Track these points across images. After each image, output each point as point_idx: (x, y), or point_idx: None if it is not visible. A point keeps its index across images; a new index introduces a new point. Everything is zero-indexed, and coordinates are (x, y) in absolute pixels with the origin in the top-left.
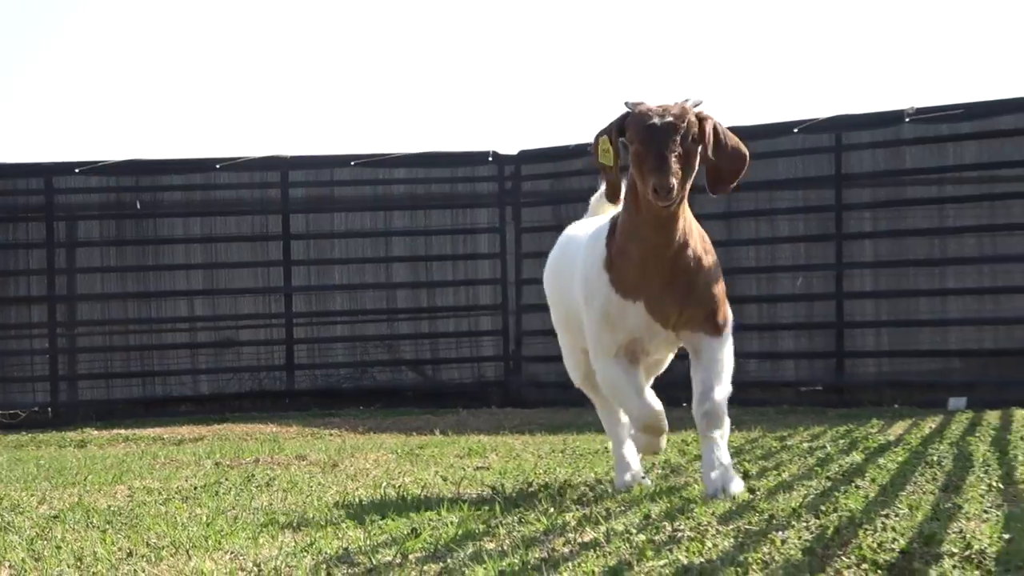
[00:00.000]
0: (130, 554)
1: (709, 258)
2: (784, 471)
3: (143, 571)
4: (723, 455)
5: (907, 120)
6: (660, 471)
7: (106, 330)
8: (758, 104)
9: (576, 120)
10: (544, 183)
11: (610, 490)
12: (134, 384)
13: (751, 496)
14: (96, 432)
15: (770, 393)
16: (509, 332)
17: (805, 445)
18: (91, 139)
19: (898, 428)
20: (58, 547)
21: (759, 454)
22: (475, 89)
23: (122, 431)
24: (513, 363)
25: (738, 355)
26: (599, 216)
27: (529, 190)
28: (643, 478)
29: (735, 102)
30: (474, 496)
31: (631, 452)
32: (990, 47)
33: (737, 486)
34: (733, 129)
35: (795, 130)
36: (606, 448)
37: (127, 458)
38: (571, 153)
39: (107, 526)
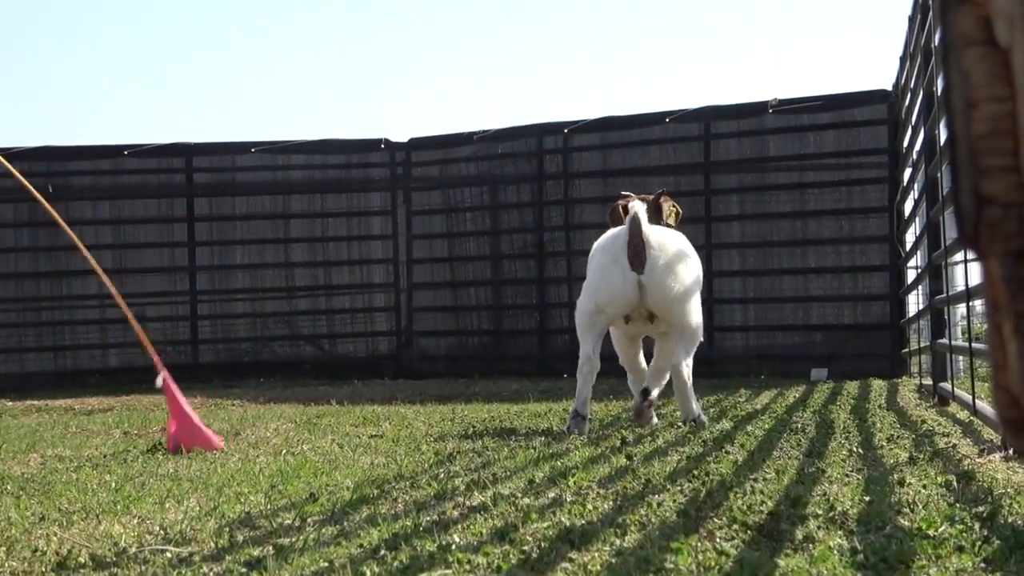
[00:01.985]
0: (43, 518)
1: None
2: (660, 438)
3: (55, 535)
4: None
5: (770, 111)
6: (543, 439)
7: (20, 307)
8: (633, 96)
9: (463, 110)
10: (433, 169)
11: (497, 457)
12: (46, 358)
13: (629, 462)
14: (10, 403)
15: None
16: (401, 308)
17: (678, 414)
18: (4, 127)
19: (764, 398)
20: None
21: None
22: (368, 80)
23: (35, 402)
24: (405, 337)
25: None
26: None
27: (419, 175)
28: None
29: (612, 94)
30: (368, 463)
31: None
32: (847, 44)
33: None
34: (610, 119)
35: (667, 120)
36: (492, 417)
37: (40, 428)
38: (459, 140)
39: (21, 492)
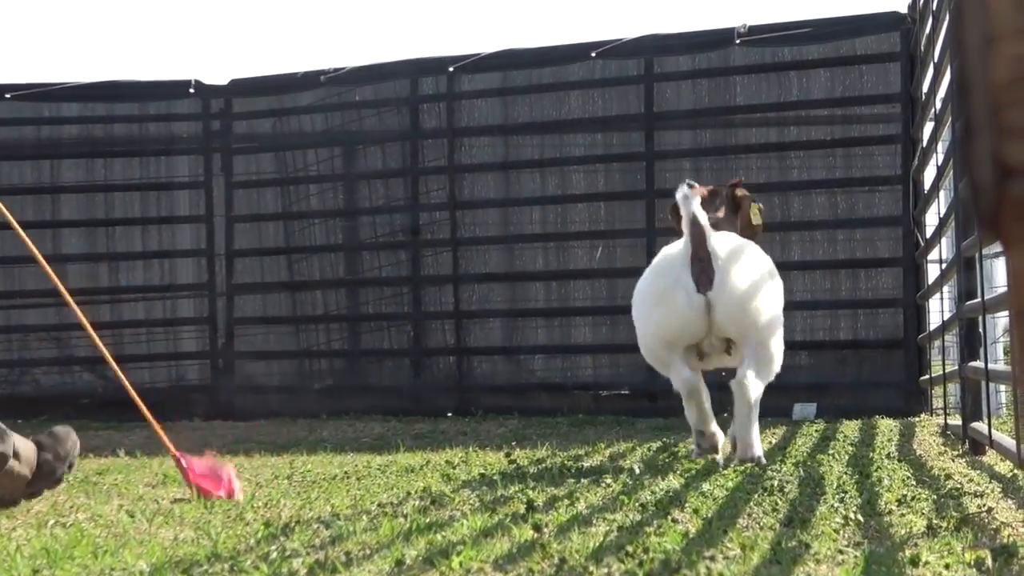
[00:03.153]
0: None
1: None
2: (580, 500)
3: None
4: None
5: (738, 42)
6: (418, 502)
7: None
8: (545, 21)
9: (304, 40)
10: (264, 123)
11: (352, 528)
12: None
13: (537, 534)
14: None
15: (561, 399)
16: (217, 320)
17: (607, 466)
18: None
19: (727, 443)
20: None
21: (548, 478)
22: (172, 3)
23: None
24: (223, 361)
25: (485, 351)
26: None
27: (244, 132)
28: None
29: (516, 17)
30: (171, 538)
31: None
32: None
33: None
34: (512, 54)
35: (593, 55)
36: (346, 472)
37: None
38: (299, 83)
39: None
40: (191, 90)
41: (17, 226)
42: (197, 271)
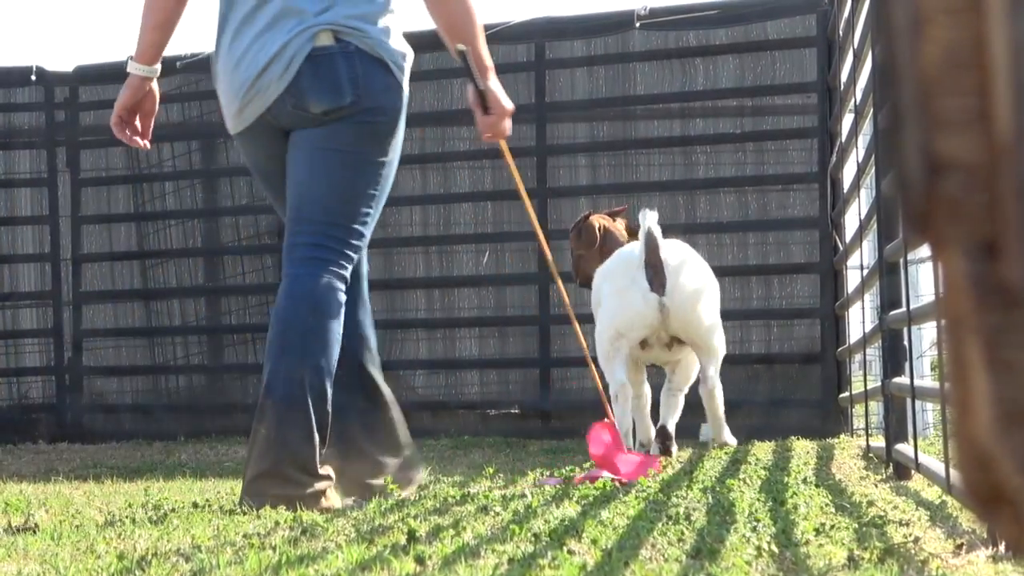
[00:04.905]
0: None
1: None
2: (466, 530)
3: None
4: None
5: (637, 25)
6: (287, 532)
7: None
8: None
9: None
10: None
11: (215, 562)
12: None
13: (419, 566)
14: None
15: (445, 419)
16: (64, 332)
17: (496, 493)
18: None
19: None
20: None
21: (430, 506)
22: None
23: None
24: (70, 377)
25: (399, 364)
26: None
27: (92, 124)
28: None
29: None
30: (14, 573)
31: None
32: None
33: None
34: None
35: None
36: (208, 500)
37: None
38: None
39: None
40: (32, 77)
41: None
42: (40, 278)
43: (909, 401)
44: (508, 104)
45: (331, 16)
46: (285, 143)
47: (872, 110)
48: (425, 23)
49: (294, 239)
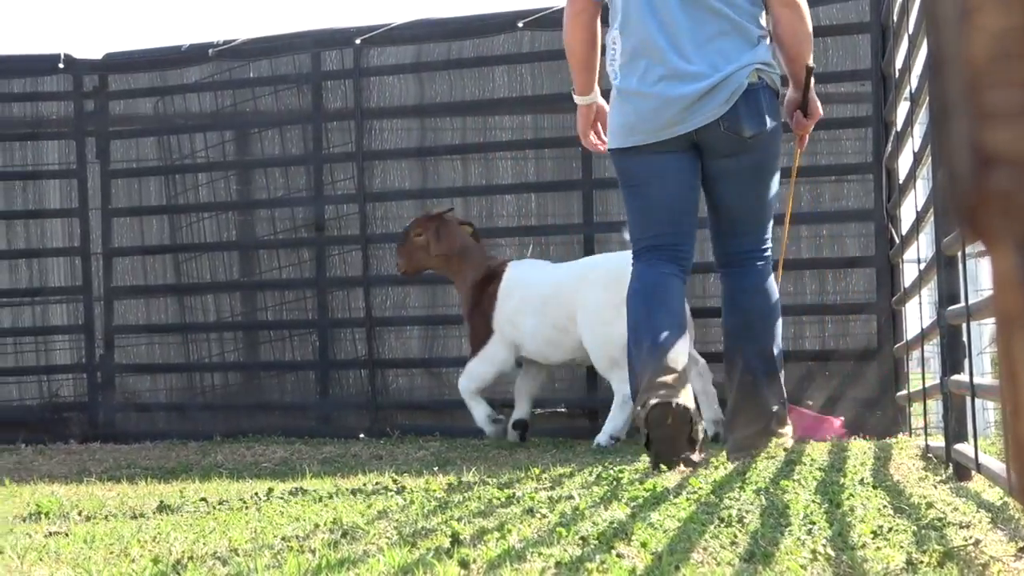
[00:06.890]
0: None
1: None
2: (511, 533)
3: None
4: None
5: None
6: (328, 534)
7: None
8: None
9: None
10: (144, 103)
11: (253, 565)
12: None
13: (463, 570)
14: None
15: None
16: (95, 328)
17: (543, 495)
18: None
19: (678, 470)
20: None
21: (474, 508)
22: None
23: None
24: (101, 375)
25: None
26: None
27: (122, 113)
28: None
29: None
30: None
31: None
32: None
33: None
34: (430, 22)
35: (520, 24)
36: (244, 502)
37: None
38: (184, 58)
39: None
40: (60, 65)
41: None
42: (70, 272)
43: (969, 399)
44: (821, 110)
45: (760, 56)
46: (687, 158)
47: (928, 98)
48: (462, 10)
49: (738, 247)
